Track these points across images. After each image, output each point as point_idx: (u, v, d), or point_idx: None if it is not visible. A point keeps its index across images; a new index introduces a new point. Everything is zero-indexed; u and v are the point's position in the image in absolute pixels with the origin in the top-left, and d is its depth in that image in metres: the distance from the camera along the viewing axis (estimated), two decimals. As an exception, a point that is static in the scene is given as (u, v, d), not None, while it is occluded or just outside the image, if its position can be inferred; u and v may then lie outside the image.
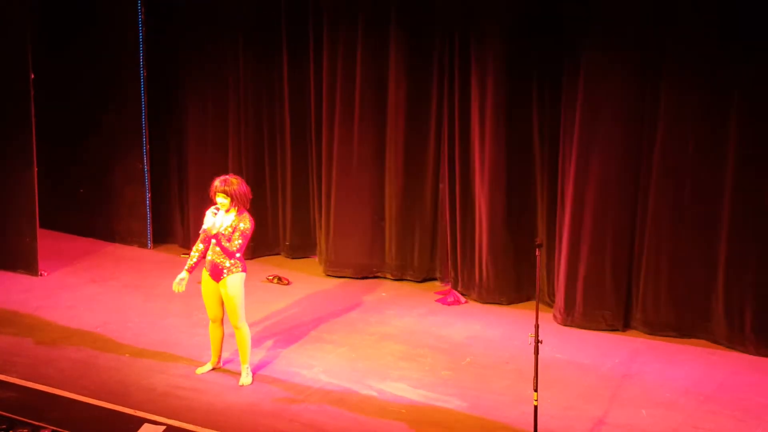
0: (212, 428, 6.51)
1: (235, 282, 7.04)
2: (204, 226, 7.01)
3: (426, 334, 8.20)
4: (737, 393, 7.14)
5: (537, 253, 6.28)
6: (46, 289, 9.11)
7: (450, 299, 8.88)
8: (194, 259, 7.17)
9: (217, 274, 7.06)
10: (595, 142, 8.09)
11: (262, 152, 9.89)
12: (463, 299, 8.88)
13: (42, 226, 9.57)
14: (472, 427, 6.60)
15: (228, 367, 7.42)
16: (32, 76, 9.20)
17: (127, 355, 7.67)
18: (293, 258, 9.98)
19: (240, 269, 7.06)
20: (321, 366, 7.50)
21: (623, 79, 7.98)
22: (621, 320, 8.26)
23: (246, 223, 7.01)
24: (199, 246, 7.18)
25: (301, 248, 10.01)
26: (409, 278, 9.34)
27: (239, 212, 7.02)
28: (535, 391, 6.05)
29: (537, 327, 6.11)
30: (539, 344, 6.09)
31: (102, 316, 8.48)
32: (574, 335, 8.18)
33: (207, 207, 7.22)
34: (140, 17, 9.87)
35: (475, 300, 8.88)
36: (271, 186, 9.97)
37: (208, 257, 7.11)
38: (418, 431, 6.55)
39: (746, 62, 7.53)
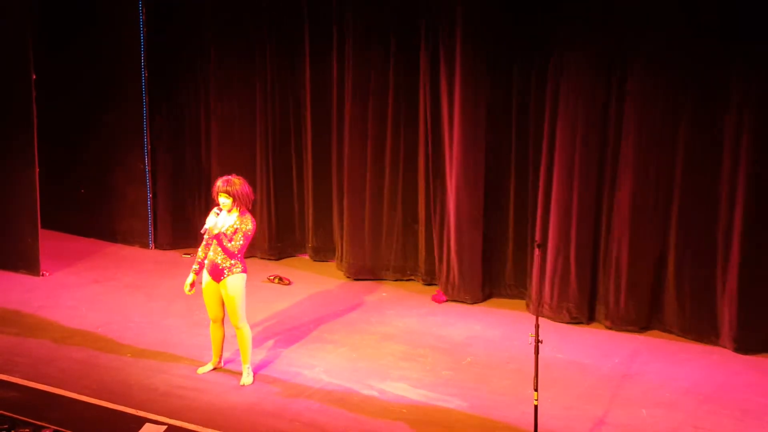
0: (213, 428, 6.52)
1: (235, 282, 7.05)
2: (205, 226, 7.01)
3: (426, 334, 8.21)
4: (737, 393, 7.15)
5: (537, 253, 6.29)
6: (47, 289, 9.13)
7: (439, 297, 8.96)
8: (200, 261, 7.18)
9: (217, 274, 7.07)
10: (561, 140, 8.24)
11: (288, 157, 9.87)
12: (443, 297, 8.92)
13: (43, 226, 9.59)
14: (473, 427, 6.62)
15: (229, 367, 7.43)
16: (33, 77, 9.22)
17: (128, 355, 7.69)
18: (316, 261, 9.99)
19: (240, 270, 7.07)
20: (322, 366, 7.52)
21: (590, 76, 8.10)
22: (585, 314, 8.38)
23: (248, 224, 7.02)
24: (203, 247, 7.20)
25: (323, 251, 9.97)
26: (438, 283, 9.24)
27: (241, 213, 7.03)
28: (536, 390, 6.06)
29: (537, 327, 6.11)
30: (539, 344, 6.09)
31: (103, 316, 8.49)
32: (575, 335, 8.20)
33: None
34: (141, 17, 9.89)
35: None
36: (297, 189, 9.97)
37: (209, 257, 7.12)
38: (418, 431, 6.56)
39: (710, 62, 7.70)
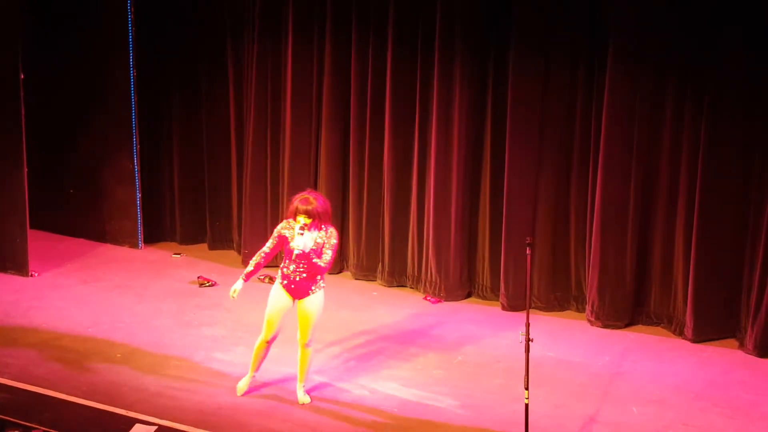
0: (204, 428, 6.51)
1: (320, 299, 6.79)
2: (296, 249, 6.61)
3: (417, 333, 8.21)
4: (727, 390, 7.18)
5: (528, 252, 6.28)
6: (36, 290, 9.09)
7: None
8: (251, 268, 6.79)
9: (302, 291, 6.74)
10: (526, 140, 8.44)
11: (265, 159, 9.71)
12: (433, 298, 8.96)
13: (32, 226, 9.55)
14: (464, 426, 6.62)
15: (219, 367, 7.42)
16: (22, 77, 9.17)
17: (118, 355, 7.66)
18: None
19: (324, 285, 6.83)
20: (312, 365, 7.48)
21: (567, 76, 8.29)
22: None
23: (333, 237, 6.72)
24: (260, 256, 6.78)
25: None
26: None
27: (323, 227, 6.70)
28: (526, 389, 6.07)
29: (528, 325, 6.12)
30: (530, 343, 6.10)
31: (93, 316, 8.46)
32: (565, 333, 8.22)
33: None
34: (129, 17, 9.85)
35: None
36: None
37: (288, 275, 6.72)
38: (409, 430, 6.57)
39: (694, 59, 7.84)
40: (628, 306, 8.33)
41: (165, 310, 8.60)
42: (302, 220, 6.61)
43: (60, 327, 8.20)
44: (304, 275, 6.71)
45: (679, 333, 8.13)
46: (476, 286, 9.02)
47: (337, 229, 6.90)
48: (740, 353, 7.83)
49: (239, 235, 10.06)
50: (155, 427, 6.49)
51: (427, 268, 9.02)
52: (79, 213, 10.56)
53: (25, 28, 9.59)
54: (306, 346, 6.87)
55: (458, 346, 7.95)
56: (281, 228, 6.77)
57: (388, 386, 7.18)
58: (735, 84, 7.67)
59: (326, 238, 6.69)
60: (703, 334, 8.00)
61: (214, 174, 10.19)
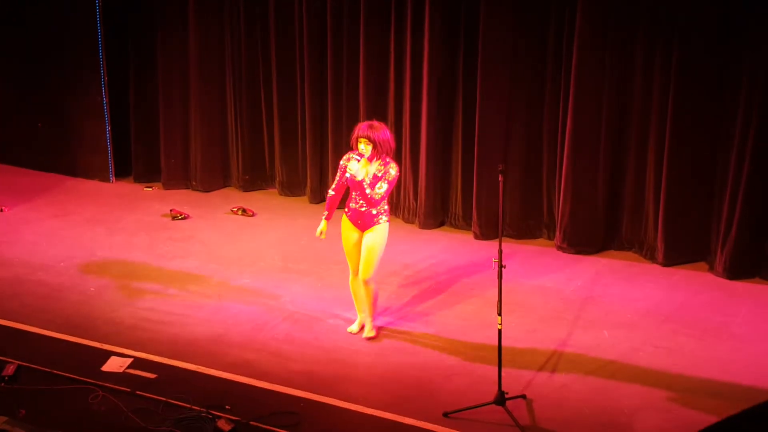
0: (180, 359, 6.54)
1: (382, 233, 6.62)
2: (348, 173, 6.49)
3: (391, 261, 8.20)
4: (696, 312, 7.29)
5: (500, 179, 6.27)
6: (7, 225, 9.01)
7: None
8: (327, 207, 6.78)
9: (365, 222, 6.61)
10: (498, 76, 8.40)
11: (258, 92, 9.68)
12: None
13: (0, 161, 9.42)
14: (438, 349, 6.70)
15: (193, 299, 7.42)
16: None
17: (92, 289, 7.64)
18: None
19: (387, 219, 6.65)
20: (288, 296, 7.54)
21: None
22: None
23: (392, 170, 6.51)
24: (329, 193, 6.79)
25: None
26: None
27: (383, 161, 6.53)
28: (499, 315, 6.12)
29: (500, 252, 6.14)
30: (503, 269, 6.13)
31: (65, 250, 8.41)
32: (537, 260, 8.29)
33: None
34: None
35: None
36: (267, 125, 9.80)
37: (352, 207, 6.64)
38: (384, 357, 6.63)
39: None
40: (599, 232, 8.40)
41: (138, 244, 8.57)
42: (361, 145, 6.47)
43: (32, 261, 8.15)
44: (364, 207, 6.58)
45: (650, 258, 8.22)
46: (449, 214, 9.06)
47: (398, 164, 6.69)
48: (710, 276, 7.95)
49: (198, 170, 9.95)
50: (131, 360, 6.51)
51: (405, 195, 9.05)
52: (49, 147, 10.44)
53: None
54: (366, 282, 6.70)
55: (432, 273, 8.00)
56: (343, 160, 6.66)
57: (363, 314, 7.22)
58: (707, 14, 7.60)
59: (385, 170, 6.51)
60: (673, 258, 8.10)
61: (168, 112, 10.00)
